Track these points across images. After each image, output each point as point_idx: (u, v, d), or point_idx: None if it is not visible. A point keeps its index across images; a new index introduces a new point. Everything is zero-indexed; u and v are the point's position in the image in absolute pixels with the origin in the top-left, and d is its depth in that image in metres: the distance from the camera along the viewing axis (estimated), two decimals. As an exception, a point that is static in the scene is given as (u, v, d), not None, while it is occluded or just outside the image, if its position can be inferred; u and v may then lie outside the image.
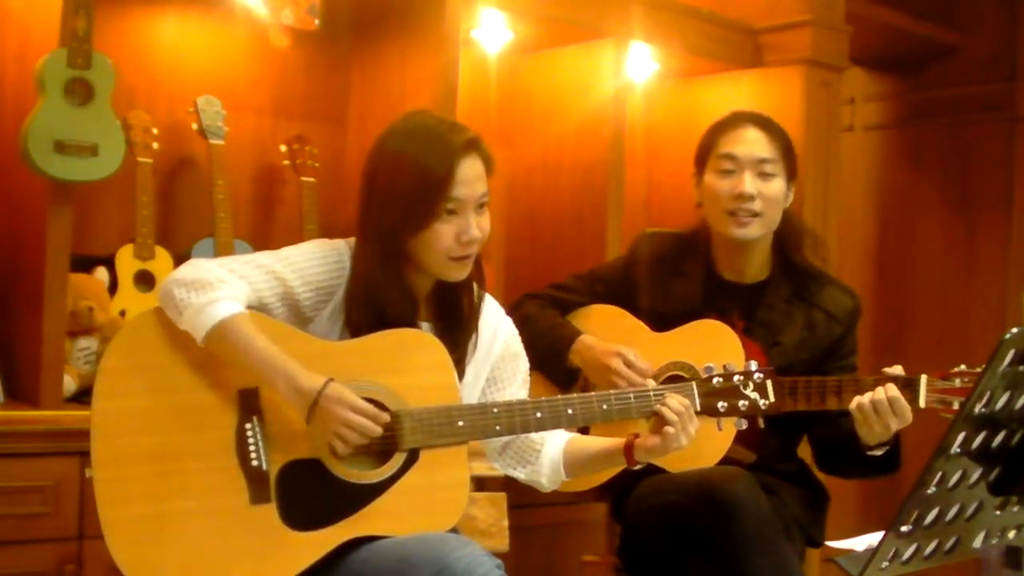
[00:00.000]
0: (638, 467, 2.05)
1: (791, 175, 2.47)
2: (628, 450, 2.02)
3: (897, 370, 2.24)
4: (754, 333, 2.43)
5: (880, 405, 2.17)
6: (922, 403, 2.19)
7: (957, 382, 2.18)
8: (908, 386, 2.19)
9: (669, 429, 1.96)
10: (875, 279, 4.68)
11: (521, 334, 2.15)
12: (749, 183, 2.40)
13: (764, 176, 2.41)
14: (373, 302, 1.91)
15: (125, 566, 1.78)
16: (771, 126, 2.47)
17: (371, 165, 1.95)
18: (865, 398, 2.18)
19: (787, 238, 2.50)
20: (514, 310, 2.49)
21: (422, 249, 1.91)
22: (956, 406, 2.17)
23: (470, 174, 1.90)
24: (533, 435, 2.10)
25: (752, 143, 2.43)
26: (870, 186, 4.73)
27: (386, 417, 1.84)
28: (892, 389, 2.17)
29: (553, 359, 2.45)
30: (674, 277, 2.51)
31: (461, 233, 1.90)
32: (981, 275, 4.37)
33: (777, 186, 2.43)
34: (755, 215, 2.40)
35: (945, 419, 2.17)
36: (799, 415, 2.30)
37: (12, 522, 2.31)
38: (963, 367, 2.19)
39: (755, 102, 3.65)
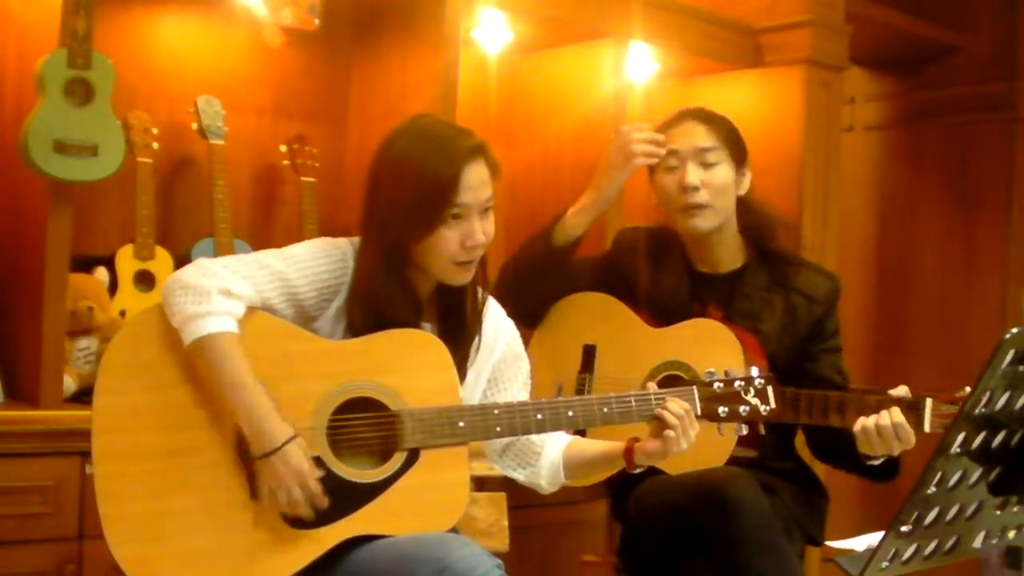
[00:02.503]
0: (638, 471, 2.05)
1: (738, 161, 2.49)
2: (628, 454, 2.02)
3: (902, 391, 2.22)
4: (734, 322, 2.43)
5: (884, 431, 2.15)
6: (927, 427, 2.16)
7: None
8: (912, 408, 2.17)
9: (670, 433, 1.96)
10: (875, 279, 4.68)
11: (511, 270, 2.33)
12: (692, 174, 2.43)
13: (706, 166, 2.44)
14: (374, 305, 1.91)
15: (125, 562, 1.78)
16: (711, 117, 2.50)
17: (375, 169, 1.95)
18: (870, 422, 2.16)
19: (758, 227, 2.52)
20: (500, 277, 2.55)
21: (427, 254, 1.91)
22: None
23: (475, 180, 1.89)
24: (534, 437, 2.09)
25: (691, 135, 2.46)
26: (870, 186, 4.73)
27: (324, 503, 1.82)
28: (897, 414, 2.15)
29: (547, 252, 2.51)
30: (657, 270, 2.53)
31: (466, 238, 1.89)
32: (981, 275, 4.37)
33: (721, 173, 2.45)
34: (703, 207, 2.42)
35: None
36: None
37: (12, 522, 2.31)
38: (968, 390, 2.17)
39: (755, 102, 3.67)
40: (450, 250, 1.89)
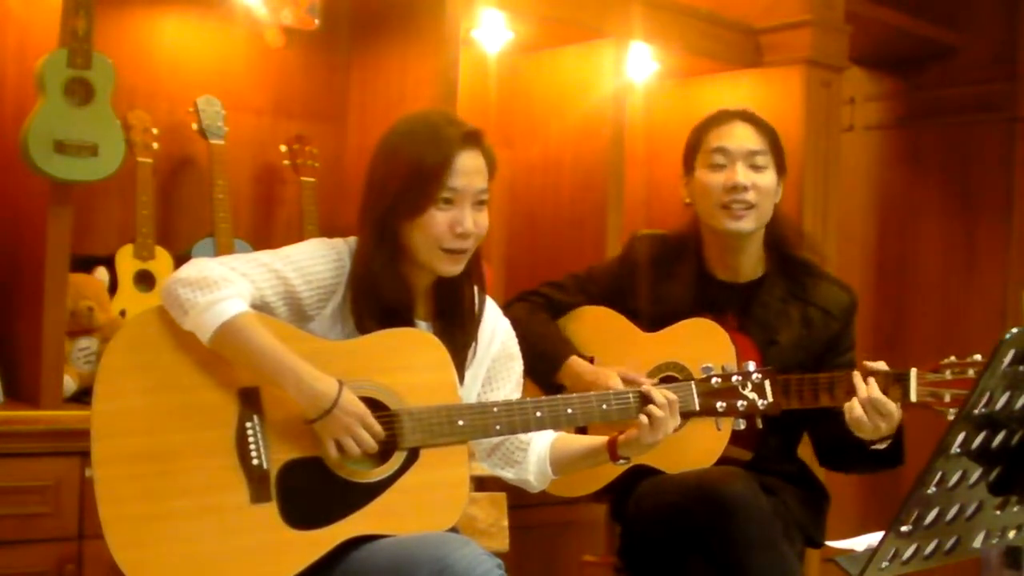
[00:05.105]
0: (622, 463, 2.07)
1: (780, 170, 2.48)
2: (611, 445, 2.04)
3: (880, 366, 2.23)
4: (750, 332, 2.42)
5: (876, 403, 2.16)
6: (913, 397, 2.18)
7: (948, 374, 2.17)
8: (899, 380, 2.19)
9: (643, 418, 1.98)
10: (875, 279, 4.68)
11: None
12: (742, 174, 2.41)
13: (756, 168, 2.43)
14: (372, 289, 1.92)
15: (125, 565, 1.77)
16: (758, 120, 2.49)
17: (373, 158, 1.98)
18: (855, 404, 2.17)
19: (781, 235, 2.51)
20: (505, 311, 2.49)
21: (415, 235, 1.91)
22: (948, 399, 2.16)
23: (469, 166, 1.91)
24: (522, 435, 2.10)
25: (742, 136, 2.45)
26: (870, 186, 4.73)
27: (384, 434, 1.86)
28: (874, 389, 2.17)
29: (541, 373, 2.45)
30: (666, 279, 2.51)
31: (455, 224, 1.90)
32: (981, 275, 4.37)
33: (769, 178, 2.44)
34: (750, 207, 2.41)
35: (939, 414, 2.16)
36: (796, 413, 2.29)
37: (12, 522, 2.31)
38: (953, 358, 2.18)
39: (755, 102, 3.64)
40: (438, 233, 1.90)
